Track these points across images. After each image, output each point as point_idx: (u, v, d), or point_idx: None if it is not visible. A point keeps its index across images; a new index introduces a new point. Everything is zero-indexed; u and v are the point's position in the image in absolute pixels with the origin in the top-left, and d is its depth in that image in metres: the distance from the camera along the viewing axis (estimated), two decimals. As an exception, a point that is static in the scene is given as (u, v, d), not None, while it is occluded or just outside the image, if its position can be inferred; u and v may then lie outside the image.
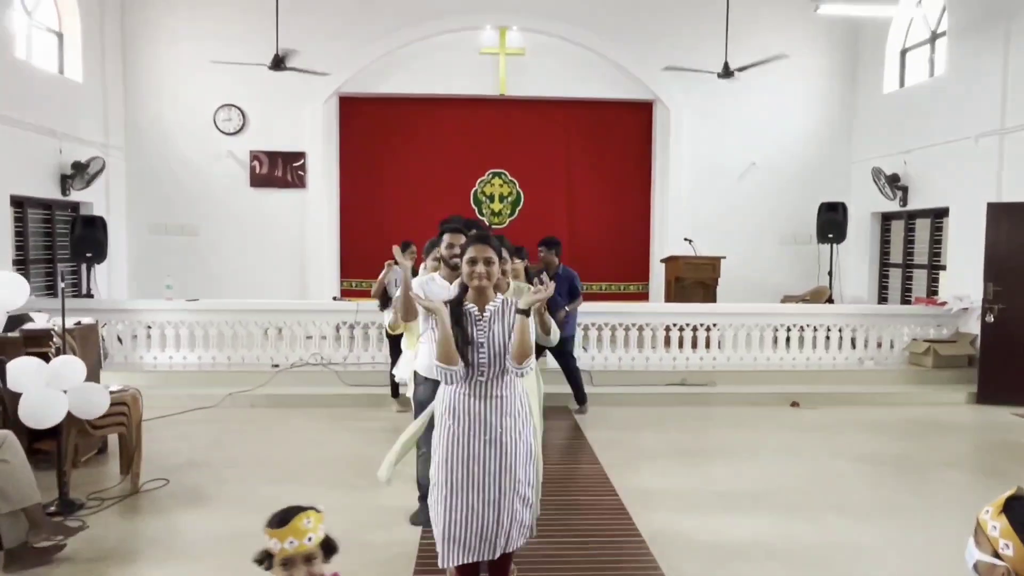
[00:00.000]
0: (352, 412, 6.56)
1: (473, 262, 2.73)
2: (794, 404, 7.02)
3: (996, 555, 1.52)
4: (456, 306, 2.78)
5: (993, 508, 1.55)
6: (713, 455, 5.44)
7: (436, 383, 3.47)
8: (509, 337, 2.72)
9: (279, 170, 10.12)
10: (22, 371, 3.82)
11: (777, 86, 9.93)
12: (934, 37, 9.04)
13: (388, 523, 4.03)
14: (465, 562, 2.72)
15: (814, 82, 10.34)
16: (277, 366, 7.33)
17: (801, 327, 7.86)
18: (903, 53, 9.68)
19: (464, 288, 2.82)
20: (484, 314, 2.76)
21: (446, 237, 3.70)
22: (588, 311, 7.87)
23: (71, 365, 3.81)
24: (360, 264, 10.34)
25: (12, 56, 7.62)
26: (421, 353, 3.72)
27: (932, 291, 8.93)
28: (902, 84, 9.64)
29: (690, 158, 10.26)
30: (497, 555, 2.76)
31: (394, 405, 6.55)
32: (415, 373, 3.84)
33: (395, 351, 5.79)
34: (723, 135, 10.22)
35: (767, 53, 8.96)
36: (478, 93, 10.25)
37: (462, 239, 3.39)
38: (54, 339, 4.29)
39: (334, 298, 9.55)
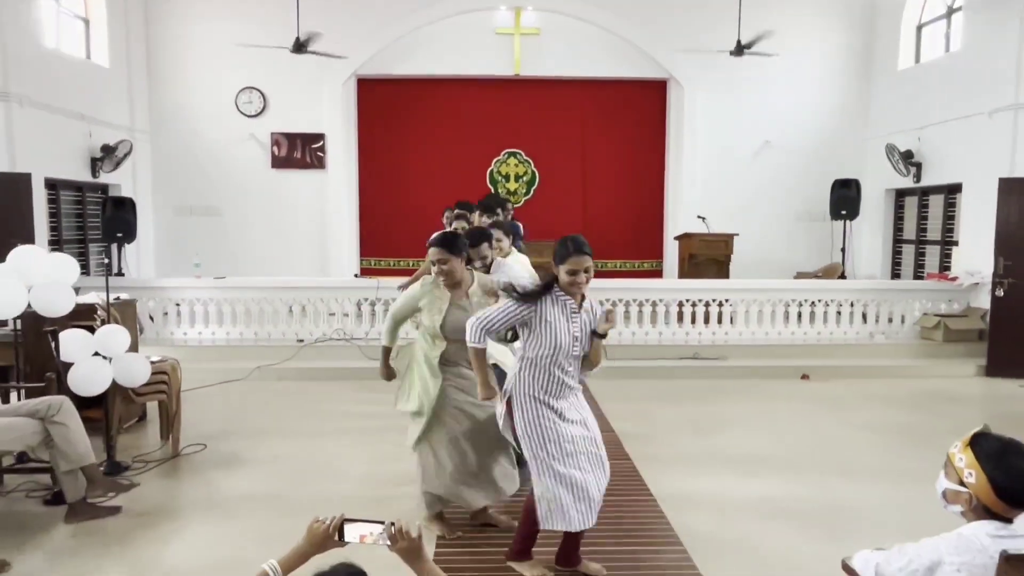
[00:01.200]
0: (375, 384, 6.76)
1: (574, 273, 2.85)
2: (804, 377, 7.18)
3: (961, 483, 1.72)
4: (545, 290, 2.91)
5: (961, 443, 1.75)
6: (724, 425, 5.63)
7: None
8: (589, 338, 2.95)
9: (299, 151, 10.34)
10: (71, 342, 4.09)
11: (792, 63, 9.94)
12: (950, 12, 9.02)
13: (409, 483, 4.28)
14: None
15: (829, 59, 10.34)
16: (302, 341, 7.60)
17: (812, 302, 7.99)
18: (919, 28, 9.66)
19: (554, 279, 2.94)
20: (580, 310, 2.94)
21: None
22: (604, 287, 8.06)
23: (116, 333, 4.07)
24: (379, 242, 10.58)
25: (42, 44, 7.86)
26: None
27: (945, 267, 9.00)
28: (918, 60, 9.63)
29: (704, 136, 10.33)
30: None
31: None
32: None
33: None
34: (737, 113, 10.27)
35: (780, 34, 8.98)
36: (493, 73, 10.37)
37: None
38: (99, 312, 4.56)
39: (355, 276, 9.79)
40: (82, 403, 4.84)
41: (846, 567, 1.94)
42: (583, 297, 2.94)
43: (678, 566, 3.29)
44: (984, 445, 1.73)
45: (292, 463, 4.67)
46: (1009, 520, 1.69)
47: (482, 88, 10.54)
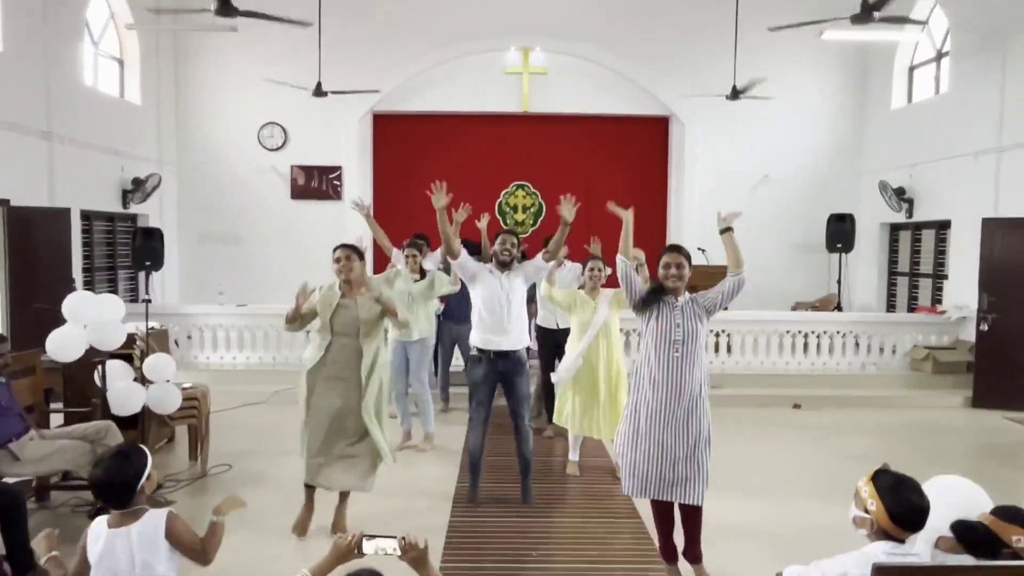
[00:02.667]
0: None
1: (667, 267, 3.49)
2: (796, 406, 7.50)
3: (865, 511, 2.10)
4: (653, 294, 3.53)
5: (865, 478, 2.13)
6: (714, 451, 5.94)
7: (485, 360, 4.51)
8: (696, 325, 3.48)
9: (316, 182, 10.85)
10: (115, 372, 4.53)
11: (789, 102, 10.36)
12: (939, 56, 9.43)
13: (422, 500, 4.67)
14: (643, 496, 3.55)
15: (825, 97, 10.76)
16: (318, 366, 8.00)
17: (806, 334, 8.33)
18: (911, 70, 10.08)
19: (660, 283, 3.54)
20: (678, 301, 3.50)
21: (500, 237, 4.74)
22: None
23: (163, 362, 4.51)
24: (392, 271, 11.01)
25: (82, 83, 8.43)
26: (474, 329, 4.64)
27: (936, 299, 9.33)
28: (910, 100, 10.04)
29: (704, 171, 10.75)
30: (675, 499, 3.50)
31: (548, 429, 6.23)
32: (470, 355, 4.70)
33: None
34: (737, 149, 10.69)
35: (777, 74, 9.43)
36: (503, 110, 10.87)
37: (513, 239, 4.67)
38: (138, 342, 4.99)
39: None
40: (118, 425, 5.28)
41: (778, 581, 2.30)
42: (678, 291, 3.48)
43: (660, 582, 3.64)
44: (883, 480, 2.11)
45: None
46: (902, 541, 2.06)
47: (492, 124, 11.03)
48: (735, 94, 8.81)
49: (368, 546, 2.14)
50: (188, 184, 10.62)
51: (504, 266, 4.63)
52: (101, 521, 2.49)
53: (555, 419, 5.40)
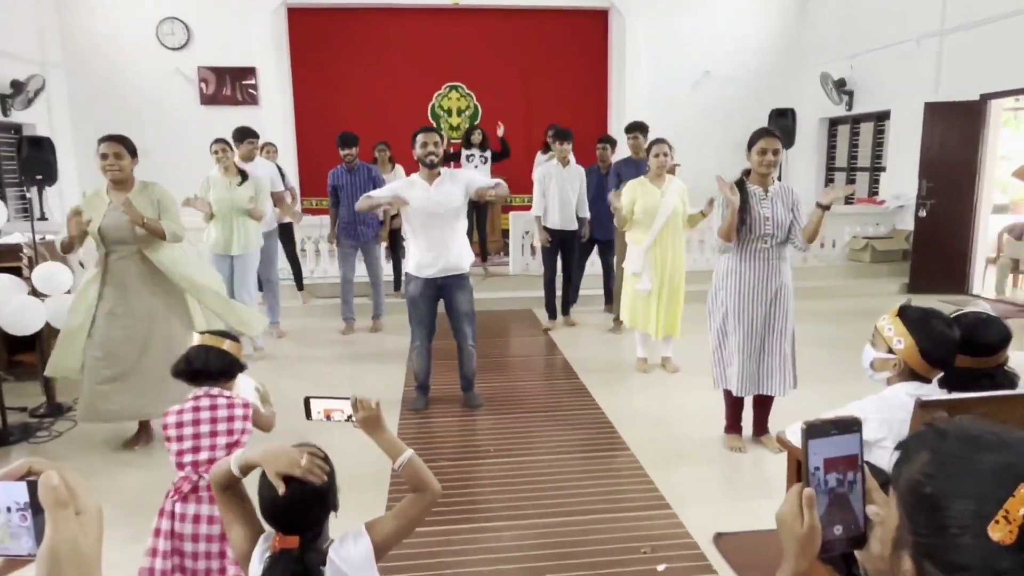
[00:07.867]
0: (317, 322, 6.81)
1: (764, 152, 3.31)
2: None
3: (890, 351, 1.87)
4: (741, 187, 3.36)
5: (889, 315, 1.90)
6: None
7: (424, 280, 3.97)
8: (788, 214, 3.36)
9: (229, 88, 9.87)
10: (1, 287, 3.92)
11: (730, -8, 9.94)
12: (883, -62, 9.12)
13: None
14: (733, 391, 3.54)
15: (767, -13, 10.38)
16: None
17: (750, 228, 8.24)
18: (853, -46, 9.75)
19: (746, 173, 3.41)
20: (767, 194, 3.35)
21: (420, 137, 3.92)
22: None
23: (55, 271, 3.93)
24: (319, 181, 10.28)
25: (-68, -35, 7.17)
26: (409, 255, 4.11)
27: (873, 192, 9.39)
28: (852, -13, 9.76)
29: (645, 67, 10.31)
30: (761, 391, 3.53)
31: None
32: (405, 273, 4.16)
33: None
34: (677, 43, 10.27)
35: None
36: (432, 3, 10.02)
37: (435, 138, 3.96)
38: (24, 250, 4.34)
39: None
40: (15, 348, 4.69)
41: (781, 440, 2.09)
42: (767, 180, 3.36)
43: (630, 469, 3.48)
44: (910, 314, 1.89)
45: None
46: (928, 380, 1.86)
47: (420, 18, 10.18)
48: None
49: (316, 407, 1.76)
50: (81, 88, 9.45)
51: (431, 168, 3.97)
52: None
53: (621, 316, 5.27)
